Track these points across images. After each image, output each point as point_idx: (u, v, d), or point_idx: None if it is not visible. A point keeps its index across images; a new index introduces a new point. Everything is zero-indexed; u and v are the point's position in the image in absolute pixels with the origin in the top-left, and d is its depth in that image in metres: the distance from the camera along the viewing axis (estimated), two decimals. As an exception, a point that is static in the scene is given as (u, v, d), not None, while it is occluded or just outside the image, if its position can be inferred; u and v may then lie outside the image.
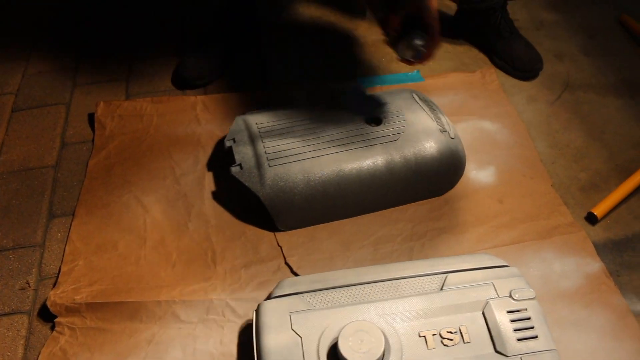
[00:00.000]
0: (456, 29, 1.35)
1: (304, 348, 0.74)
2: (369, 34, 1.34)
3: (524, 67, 1.24)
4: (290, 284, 0.82)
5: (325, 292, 0.80)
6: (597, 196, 1.01)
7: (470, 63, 1.27)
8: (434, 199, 1.00)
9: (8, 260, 0.92)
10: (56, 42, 1.34)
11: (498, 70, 1.26)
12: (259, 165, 0.93)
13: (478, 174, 1.04)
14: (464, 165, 1.02)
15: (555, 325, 0.84)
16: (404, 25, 0.86)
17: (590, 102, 1.19)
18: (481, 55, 1.30)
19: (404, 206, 0.99)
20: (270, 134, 0.97)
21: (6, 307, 0.86)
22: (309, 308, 0.78)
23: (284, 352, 0.74)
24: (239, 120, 1.02)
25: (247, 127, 0.99)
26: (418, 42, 0.85)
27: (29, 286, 0.89)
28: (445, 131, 0.99)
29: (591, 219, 0.98)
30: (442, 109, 1.10)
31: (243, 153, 0.96)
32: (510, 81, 1.23)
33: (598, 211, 0.98)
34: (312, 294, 0.80)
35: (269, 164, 0.93)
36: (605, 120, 1.15)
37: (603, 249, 0.94)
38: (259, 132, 0.98)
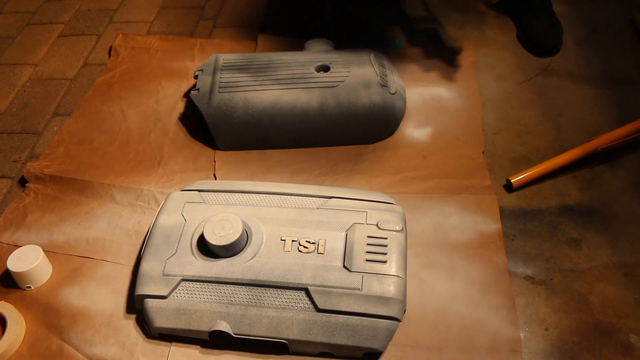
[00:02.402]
0: None
1: (184, 229, 0.88)
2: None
3: (537, 41, 1.26)
4: (201, 184, 0.97)
5: (221, 193, 0.93)
6: (525, 168, 1.03)
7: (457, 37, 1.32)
8: (362, 145, 1.08)
9: (13, 140, 1.16)
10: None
11: (516, 47, 1.29)
12: (211, 91, 1.08)
13: (414, 131, 1.10)
14: (399, 120, 1.09)
15: (427, 267, 0.89)
16: None
17: (560, 87, 1.19)
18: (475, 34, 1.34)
19: (333, 147, 1.08)
20: (230, 68, 1.12)
21: (-2, 172, 1.10)
22: (202, 201, 0.92)
23: (167, 228, 0.88)
24: (212, 57, 1.17)
25: (216, 62, 1.15)
26: None
27: (20, 159, 1.12)
28: (386, 86, 1.07)
29: (509, 187, 1.01)
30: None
31: (204, 81, 1.11)
32: (487, 59, 1.26)
33: (515, 180, 1.00)
34: (211, 193, 0.94)
35: (218, 91, 1.08)
36: (567, 105, 1.15)
37: (509, 215, 0.97)
38: (222, 66, 1.13)
